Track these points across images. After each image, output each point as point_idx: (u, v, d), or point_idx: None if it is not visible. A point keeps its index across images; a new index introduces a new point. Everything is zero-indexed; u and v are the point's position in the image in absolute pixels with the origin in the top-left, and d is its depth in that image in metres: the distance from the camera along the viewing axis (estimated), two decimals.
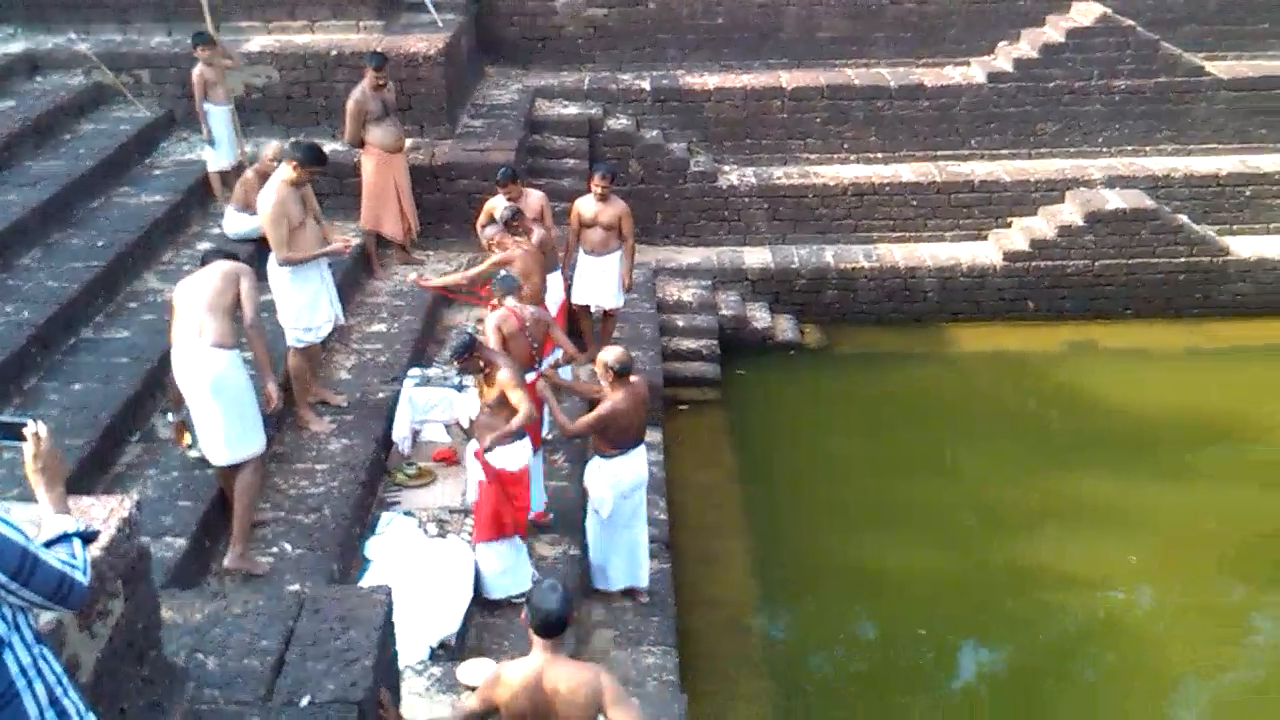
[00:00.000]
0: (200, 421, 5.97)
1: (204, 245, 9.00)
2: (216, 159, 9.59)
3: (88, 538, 2.99)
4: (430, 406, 7.74)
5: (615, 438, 6.72)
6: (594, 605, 7.22)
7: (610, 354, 6.66)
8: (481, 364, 6.32)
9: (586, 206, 8.92)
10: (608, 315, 9.38)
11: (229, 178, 9.45)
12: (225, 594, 4.70)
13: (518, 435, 6.34)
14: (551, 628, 3.97)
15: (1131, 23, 12.25)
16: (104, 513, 3.64)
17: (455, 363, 6.37)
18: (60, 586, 2.80)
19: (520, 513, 6.48)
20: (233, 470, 6.08)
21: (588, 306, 9.23)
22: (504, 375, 6.26)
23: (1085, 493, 9.27)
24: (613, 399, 6.60)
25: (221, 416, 5.89)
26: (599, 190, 8.80)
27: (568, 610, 4.00)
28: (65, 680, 2.92)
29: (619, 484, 6.83)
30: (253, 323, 5.99)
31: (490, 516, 6.38)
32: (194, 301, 5.89)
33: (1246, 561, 8.73)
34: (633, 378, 6.72)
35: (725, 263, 11.90)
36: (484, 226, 8.55)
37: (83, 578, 2.86)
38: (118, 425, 6.56)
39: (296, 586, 5.81)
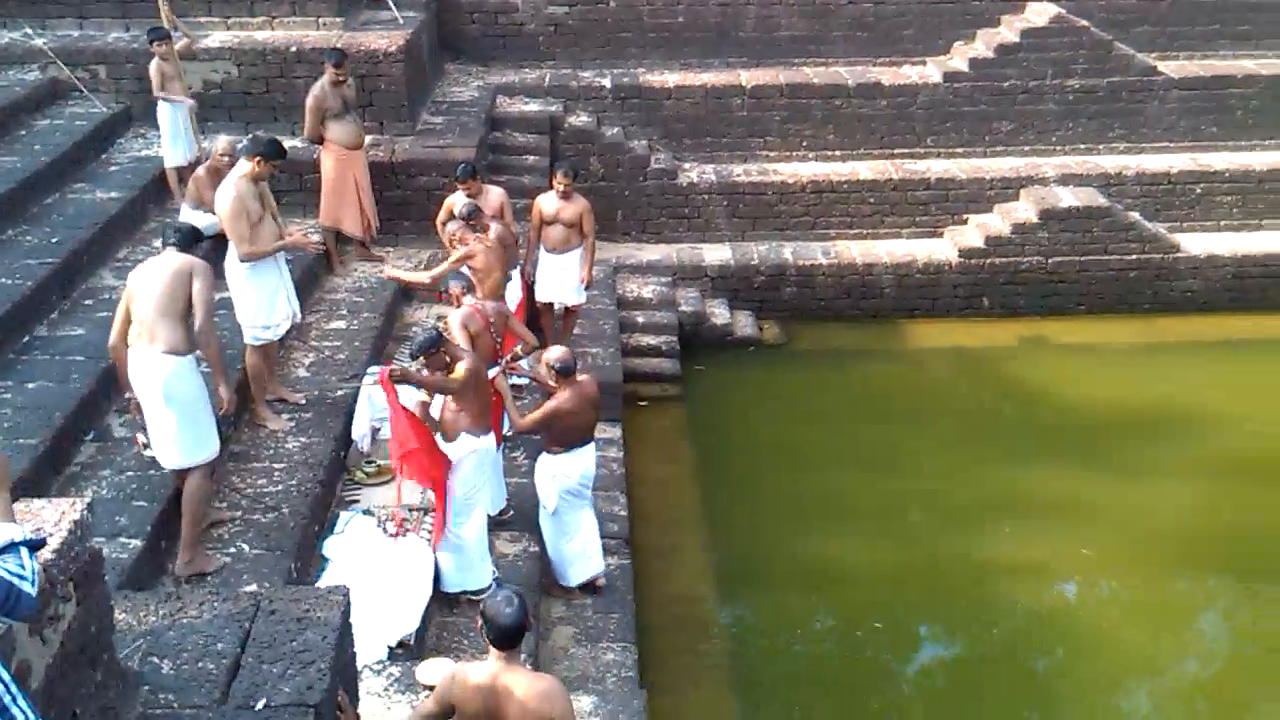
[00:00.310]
0: (152, 425, 5.94)
1: (160, 242, 8.97)
2: (174, 155, 9.52)
3: (35, 545, 2.95)
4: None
5: (561, 436, 6.82)
6: (554, 602, 7.27)
7: (553, 354, 6.78)
8: (446, 359, 6.35)
9: (548, 204, 8.95)
10: (569, 312, 9.42)
11: (186, 174, 9.39)
12: (180, 596, 4.68)
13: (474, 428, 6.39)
14: (505, 639, 3.97)
15: (1085, 23, 12.43)
16: (55, 515, 3.62)
17: (422, 358, 6.38)
18: (7, 598, 2.76)
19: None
20: (185, 473, 6.06)
21: (550, 304, 9.26)
22: (464, 366, 6.30)
23: (1039, 487, 9.42)
24: (558, 398, 6.71)
25: (174, 422, 5.86)
26: (561, 188, 8.84)
27: (522, 621, 3.97)
28: (14, 688, 2.88)
29: (563, 480, 6.92)
30: (203, 327, 5.89)
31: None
32: (146, 302, 5.81)
33: (1199, 555, 8.90)
34: (581, 377, 6.80)
35: (685, 259, 11.97)
36: (444, 223, 8.57)
37: (30, 588, 2.81)
38: (72, 424, 6.53)
39: (254, 587, 5.80)
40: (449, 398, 6.43)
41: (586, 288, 9.35)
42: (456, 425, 6.39)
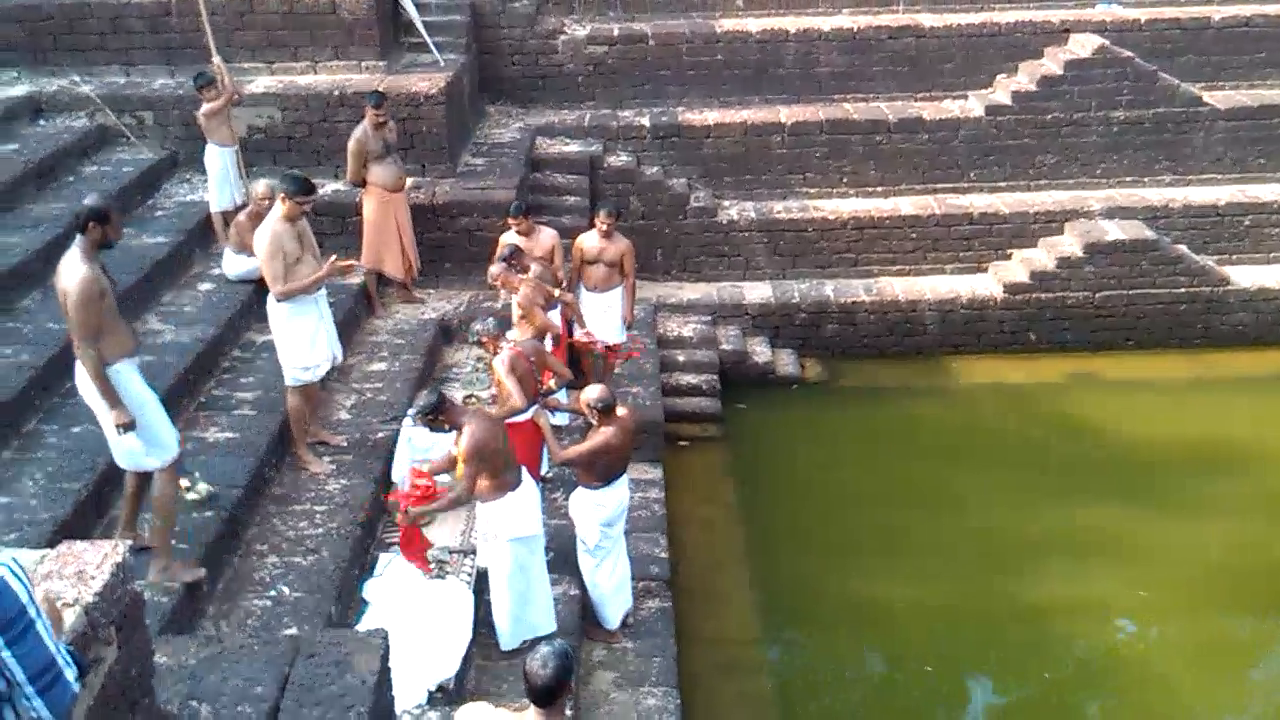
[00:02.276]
0: (105, 432, 5.78)
1: (205, 286, 9.09)
2: (219, 200, 9.64)
3: (82, 669, 2.91)
4: (430, 445, 7.73)
5: (603, 470, 6.76)
6: (594, 646, 7.18)
7: (591, 393, 6.75)
8: (447, 426, 6.26)
9: (590, 243, 8.96)
10: (607, 351, 9.39)
11: (231, 218, 9.49)
12: (221, 639, 4.68)
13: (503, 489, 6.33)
14: (543, 698, 3.86)
15: (1129, 54, 12.32)
16: (97, 558, 3.62)
17: (421, 420, 6.37)
18: (46, 672, 2.70)
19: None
20: (143, 476, 5.90)
21: (591, 343, 9.24)
22: (462, 443, 6.16)
23: (1090, 525, 9.23)
24: (604, 433, 6.67)
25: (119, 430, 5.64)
26: (604, 228, 8.86)
27: (562, 680, 3.83)
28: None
29: (603, 514, 6.87)
30: (73, 342, 5.57)
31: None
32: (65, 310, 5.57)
33: (1255, 594, 8.67)
34: (619, 410, 6.76)
35: (725, 298, 11.92)
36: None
37: (74, 681, 2.76)
38: (114, 469, 6.53)
39: (294, 630, 5.78)
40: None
41: (628, 327, 9.33)
42: (482, 495, 6.34)
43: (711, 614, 8.31)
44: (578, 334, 8.70)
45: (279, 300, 7.05)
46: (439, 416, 6.23)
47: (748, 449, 10.44)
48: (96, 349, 5.46)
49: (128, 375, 5.66)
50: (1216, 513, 9.43)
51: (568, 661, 3.86)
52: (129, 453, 5.75)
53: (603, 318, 9.07)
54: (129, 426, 5.58)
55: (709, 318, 11.65)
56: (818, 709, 7.82)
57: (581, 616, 7.05)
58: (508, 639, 6.55)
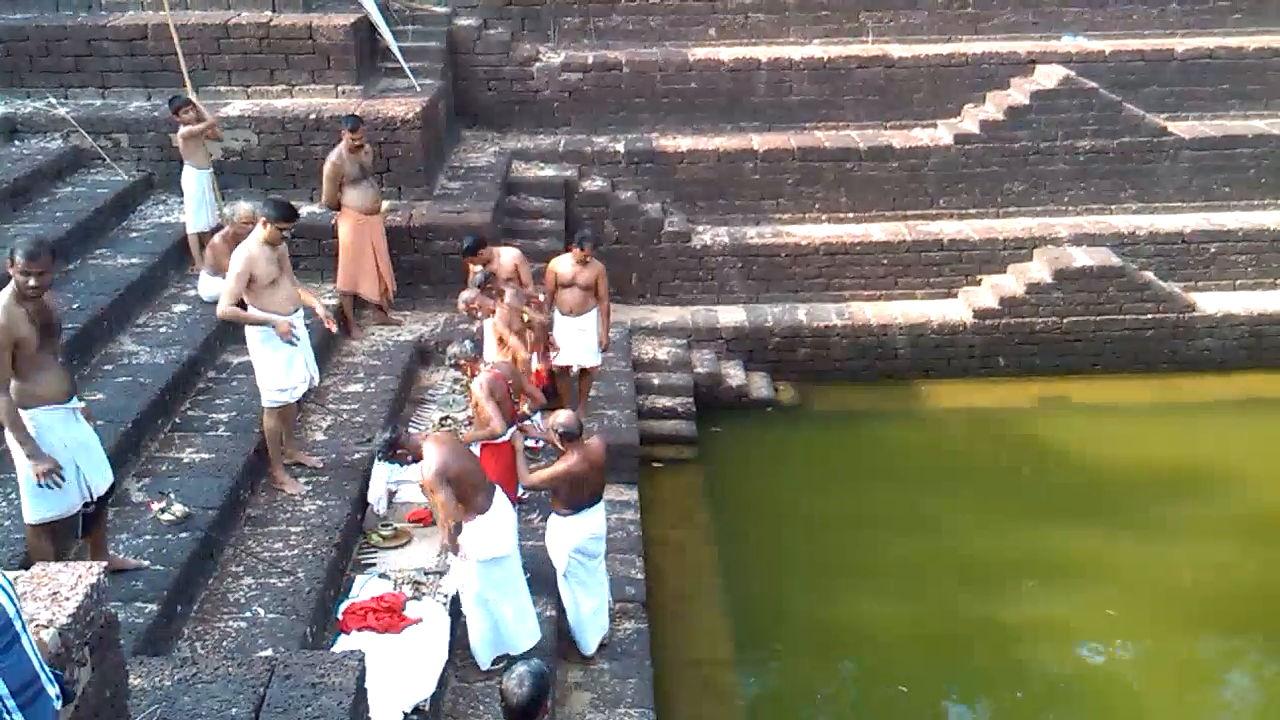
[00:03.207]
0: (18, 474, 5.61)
1: (180, 308, 9.09)
2: (195, 221, 9.64)
3: (67, 695, 2.92)
4: (406, 467, 7.74)
5: (569, 498, 6.80)
6: (571, 667, 7.19)
7: (559, 418, 6.81)
8: (410, 458, 6.49)
9: (564, 268, 9.01)
10: (584, 374, 9.44)
11: (207, 240, 9.50)
12: (195, 661, 4.67)
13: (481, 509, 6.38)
14: (519, 717, 3.86)
15: (1094, 85, 12.55)
16: (71, 580, 3.63)
17: (382, 458, 6.74)
18: (28, 687, 2.69)
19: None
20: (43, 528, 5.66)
21: (567, 367, 9.28)
22: (424, 470, 6.22)
23: (1060, 547, 9.33)
24: (567, 460, 6.72)
25: (21, 477, 5.53)
26: (579, 257, 8.91)
27: (539, 700, 3.84)
28: None
29: (572, 541, 6.90)
30: None
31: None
32: None
33: (1221, 614, 8.78)
34: (588, 440, 6.81)
35: (700, 321, 12.01)
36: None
37: (56, 700, 2.76)
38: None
39: (269, 651, 5.77)
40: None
41: (603, 349, 9.38)
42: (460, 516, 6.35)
43: (686, 635, 8.34)
44: (552, 357, 8.78)
45: (218, 317, 7.15)
46: (397, 450, 6.43)
47: (722, 471, 10.49)
48: (7, 395, 5.28)
49: (47, 424, 5.45)
50: (1182, 535, 9.55)
51: (544, 681, 3.88)
52: (32, 503, 5.50)
53: (577, 340, 9.12)
54: (48, 474, 5.33)
55: (684, 341, 11.72)
56: None
57: (558, 638, 7.07)
58: (482, 659, 6.58)
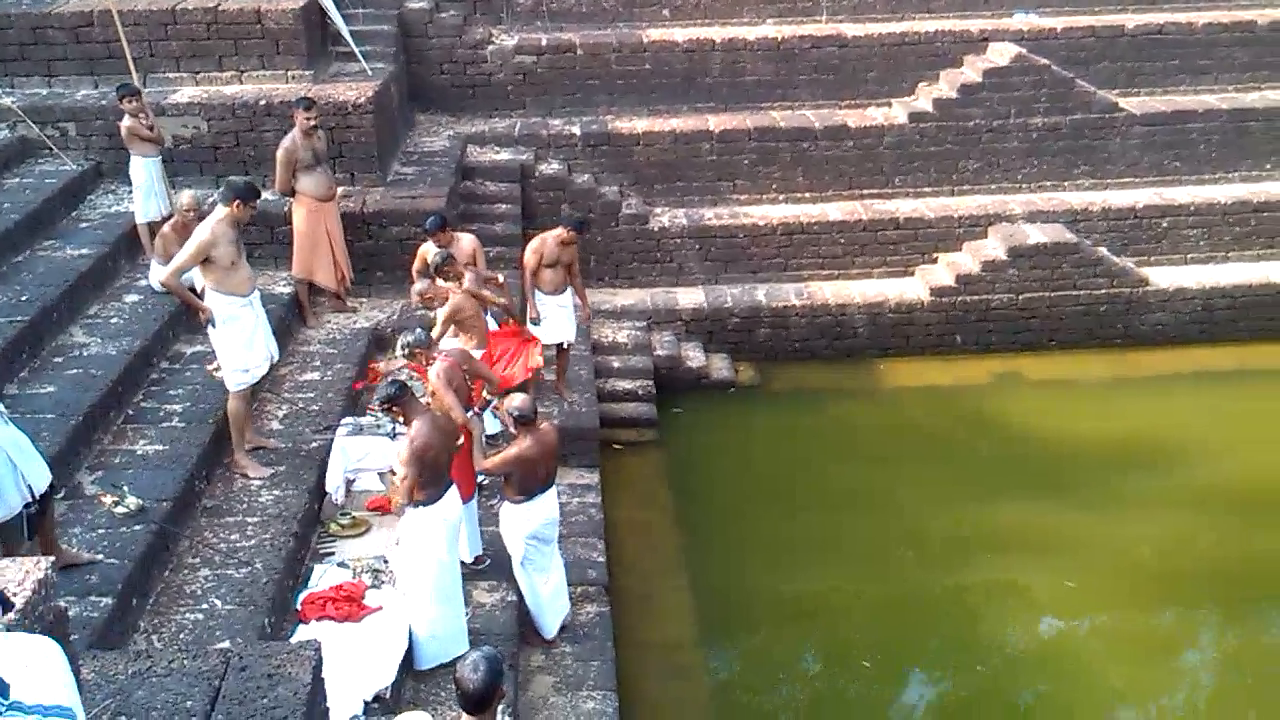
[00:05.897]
0: None
1: (132, 298, 8.97)
2: (146, 210, 9.50)
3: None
4: (363, 455, 7.71)
5: (522, 483, 6.76)
6: (533, 651, 7.19)
7: (514, 401, 6.78)
8: (400, 419, 6.29)
9: (550, 247, 9.19)
10: (562, 351, 9.53)
11: (157, 229, 9.37)
12: (150, 654, 4.62)
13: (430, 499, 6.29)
14: (474, 705, 3.87)
15: (1046, 62, 12.63)
16: (19, 574, 3.59)
17: (378, 405, 6.36)
18: None
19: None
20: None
21: (558, 344, 9.41)
22: (404, 447, 6.13)
23: (1018, 521, 9.45)
24: (519, 445, 6.68)
25: None
26: (566, 238, 9.14)
27: (493, 686, 3.85)
28: None
29: (526, 527, 6.87)
30: None
31: None
32: None
33: (1178, 585, 8.93)
34: (542, 425, 6.79)
35: (659, 303, 12.01)
36: (420, 273, 8.63)
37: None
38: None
39: (227, 643, 5.72)
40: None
41: (585, 321, 9.80)
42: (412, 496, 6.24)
43: (649, 617, 8.37)
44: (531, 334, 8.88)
45: (160, 284, 7.07)
46: (394, 406, 6.18)
47: (683, 453, 10.52)
48: None
49: None
50: (1138, 507, 9.69)
51: (498, 665, 3.88)
52: None
53: (558, 315, 9.32)
54: None
55: (643, 324, 11.72)
56: (757, 709, 7.90)
57: (519, 622, 7.07)
58: (421, 657, 6.42)
